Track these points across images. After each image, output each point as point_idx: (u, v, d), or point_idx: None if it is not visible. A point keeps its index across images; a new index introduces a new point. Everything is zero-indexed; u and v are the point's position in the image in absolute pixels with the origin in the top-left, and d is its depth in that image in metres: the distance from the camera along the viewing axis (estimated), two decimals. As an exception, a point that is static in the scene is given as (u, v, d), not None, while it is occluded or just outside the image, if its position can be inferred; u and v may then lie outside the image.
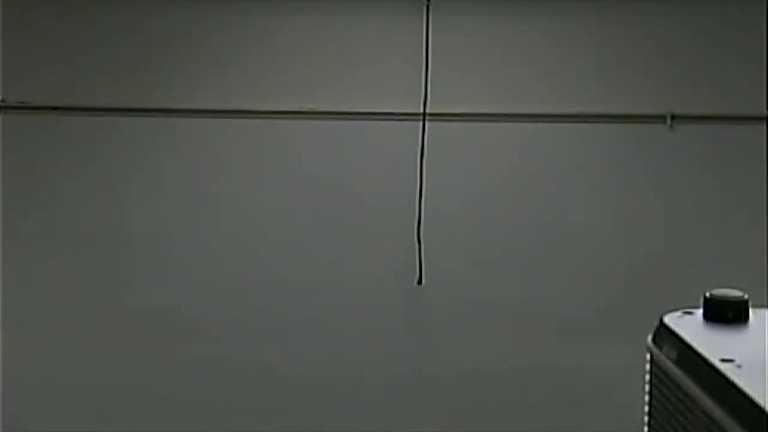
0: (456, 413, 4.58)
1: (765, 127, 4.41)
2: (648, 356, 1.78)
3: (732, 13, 4.44)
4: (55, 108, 4.53)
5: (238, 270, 4.58)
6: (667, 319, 1.78)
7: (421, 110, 4.45)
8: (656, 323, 1.79)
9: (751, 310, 1.75)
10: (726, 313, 1.74)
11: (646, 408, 1.79)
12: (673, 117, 4.48)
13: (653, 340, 1.77)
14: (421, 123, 4.46)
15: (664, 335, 1.73)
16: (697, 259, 4.46)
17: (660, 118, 4.48)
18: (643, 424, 1.80)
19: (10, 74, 4.48)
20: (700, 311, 1.77)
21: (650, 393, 1.77)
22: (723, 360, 1.51)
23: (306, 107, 4.53)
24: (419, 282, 4.52)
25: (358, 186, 4.57)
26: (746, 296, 1.76)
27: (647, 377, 1.78)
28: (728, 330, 1.71)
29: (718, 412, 1.43)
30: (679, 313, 1.81)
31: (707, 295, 1.77)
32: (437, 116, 4.47)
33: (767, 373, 1.45)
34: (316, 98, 4.53)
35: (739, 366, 1.48)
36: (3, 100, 4.52)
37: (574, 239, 4.55)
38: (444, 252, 4.53)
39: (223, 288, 4.59)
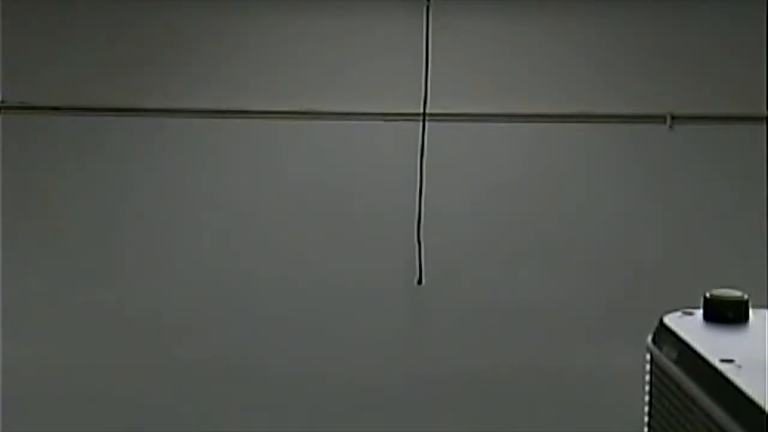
0: (456, 413, 4.58)
1: (765, 127, 4.41)
2: (648, 356, 1.77)
3: (732, 13, 4.44)
4: (55, 108, 4.53)
5: (238, 269, 4.58)
6: (667, 319, 1.78)
7: (421, 110, 4.45)
8: (656, 323, 1.79)
9: (751, 310, 1.75)
10: (726, 313, 1.73)
11: (646, 408, 1.79)
12: (673, 117, 4.48)
13: (653, 340, 1.77)
14: (421, 123, 4.46)
15: (664, 335, 1.73)
16: (697, 260, 4.46)
17: (660, 118, 4.48)
18: (643, 424, 1.80)
19: (10, 74, 4.48)
20: (700, 311, 1.77)
21: (650, 393, 1.77)
22: (723, 360, 1.51)
23: (306, 107, 4.53)
24: (419, 282, 4.52)
25: (358, 186, 4.57)
26: (746, 296, 1.76)
27: (647, 377, 1.78)
28: (728, 330, 1.71)
29: (718, 412, 1.43)
30: (679, 313, 1.80)
31: (707, 295, 1.76)
32: (437, 116, 4.47)
33: (767, 373, 1.45)
34: (316, 98, 4.53)
35: (739, 366, 1.48)
36: (3, 101, 4.52)
37: (573, 239, 4.55)
38: (444, 252, 4.53)
39: (223, 288, 4.59)
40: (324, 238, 4.58)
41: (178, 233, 4.59)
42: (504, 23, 4.52)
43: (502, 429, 4.51)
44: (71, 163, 4.57)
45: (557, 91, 4.53)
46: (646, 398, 1.79)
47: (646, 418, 1.79)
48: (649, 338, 1.79)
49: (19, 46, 4.50)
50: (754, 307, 1.76)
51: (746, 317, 1.74)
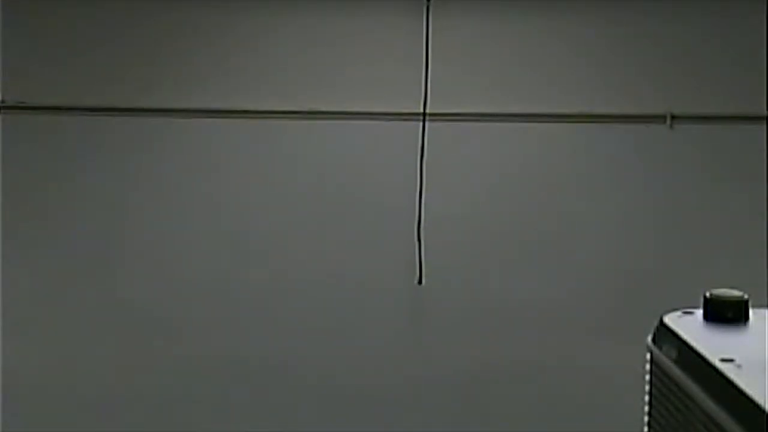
0: (456, 413, 4.58)
1: (765, 127, 4.41)
2: (648, 356, 1.78)
3: (732, 13, 4.44)
4: (55, 108, 4.53)
5: (238, 269, 4.58)
6: (667, 319, 1.78)
7: (421, 110, 4.45)
8: (656, 323, 1.79)
9: (751, 310, 1.75)
10: (726, 313, 1.73)
11: (646, 408, 1.79)
12: (673, 117, 4.48)
13: (653, 340, 1.77)
14: (421, 123, 4.46)
15: (664, 335, 1.73)
16: (696, 259, 4.46)
17: (660, 118, 4.48)
18: (643, 424, 1.80)
19: (10, 74, 4.48)
20: (700, 311, 1.77)
21: (650, 393, 1.77)
22: (723, 360, 1.51)
23: (306, 107, 4.53)
24: (419, 282, 4.52)
25: (358, 186, 4.57)
26: (746, 296, 1.76)
27: (647, 377, 1.78)
28: (728, 330, 1.71)
29: (718, 412, 1.43)
30: (679, 313, 1.80)
31: (707, 295, 1.76)
32: (437, 116, 4.47)
33: (767, 373, 1.45)
34: (315, 98, 4.53)
35: (739, 366, 1.48)
36: (3, 101, 4.52)
37: (573, 239, 4.55)
38: (444, 252, 4.53)
39: (224, 287, 4.59)
40: (324, 237, 4.58)
41: (178, 232, 4.59)
42: (504, 23, 4.52)
43: (501, 429, 4.51)
44: (71, 163, 4.57)
45: (557, 91, 4.53)
46: (646, 398, 1.79)
47: (646, 418, 1.79)
48: (649, 338, 1.79)
49: (19, 46, 4.50)
50: (754, 307, 1.76)
51: (746, 317, 1.74)
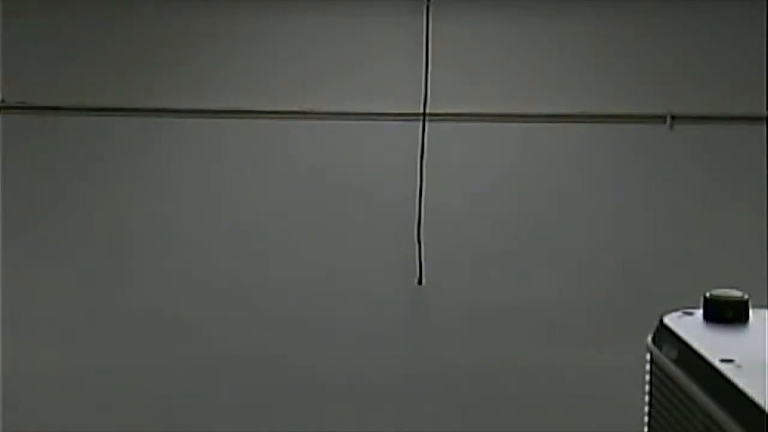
0: (456, 413, 4.58)
1: (765, 127, 4.41)
2: (648, 356, 1.78)
3: (732, 13, 4.44)
4: (55, 108, 4.53)
5: (238, 270, 4.58)
6: (667, 319, 1.78)
7: (421, 110, 4.45)
8: (656, 323, 1.79)
9: (751, 310, 1.75)
10: (726, 313, 1.74)
11: (646, 408, 1.79)
12: (673, 117, 4.48)
13: (653, 340, 1.77)
14: (421, 123, 4.46)
15: (664, 335, 1.73)
16: (696, 259, 4.46)
17: (660, 118, 4.48)
18: (643, 424, 1.80)
19: (10, 74, 4.48)
20: (700, 311, 1.77)
21: (650, 393, 1.77)
22: (723, 360, 1.51)
23: (306, 107, 4.53)
24: (419, 282, 4.52)
25: (358, 186, 4.57)
26: (746, 296, 1.76)
27: (647, 377, 1.78)
28: (728, 330, 1.71)
29: (718, 412, 1.43)
30: (679, 313, 1.81)
31: (707, 295, 1.77)
32: (437, 116, 4.47)
33: (767, 373, 1.45)
34: (316, 98, 4.53)
35: (739, 366, 1.48)
36: (3, 100, 4.52)
37: (573, 239, 4.55)
38: (444, 252, 4.53)
39: (224, 288, 4.59)
40: (323, 238, 4.58)
41: (179, 233, 4.59)
42: (504, 23, 4.52)
43: (501, 429, 4.51)
44: (72, 163, 4.57)
45: (557, 91, 4.53)
46: (646, 398, 1.79)
47: (646, 418, 1.80)
48: (649, 338, 1.79)
49: (19, 46, 4.50)
50: (754, 307, 1.77)
51: (746, 317, 1.74)
